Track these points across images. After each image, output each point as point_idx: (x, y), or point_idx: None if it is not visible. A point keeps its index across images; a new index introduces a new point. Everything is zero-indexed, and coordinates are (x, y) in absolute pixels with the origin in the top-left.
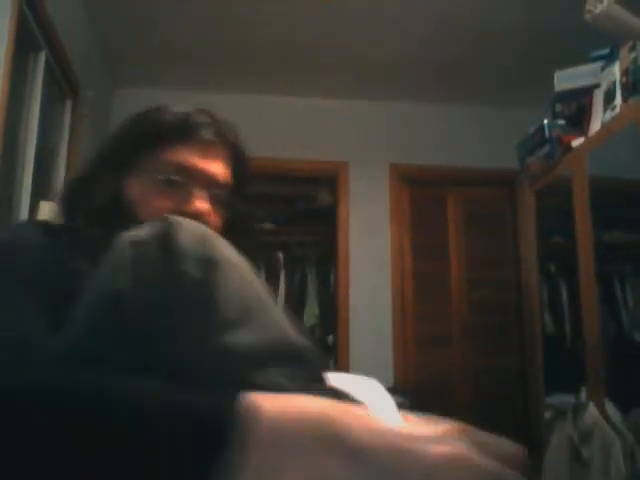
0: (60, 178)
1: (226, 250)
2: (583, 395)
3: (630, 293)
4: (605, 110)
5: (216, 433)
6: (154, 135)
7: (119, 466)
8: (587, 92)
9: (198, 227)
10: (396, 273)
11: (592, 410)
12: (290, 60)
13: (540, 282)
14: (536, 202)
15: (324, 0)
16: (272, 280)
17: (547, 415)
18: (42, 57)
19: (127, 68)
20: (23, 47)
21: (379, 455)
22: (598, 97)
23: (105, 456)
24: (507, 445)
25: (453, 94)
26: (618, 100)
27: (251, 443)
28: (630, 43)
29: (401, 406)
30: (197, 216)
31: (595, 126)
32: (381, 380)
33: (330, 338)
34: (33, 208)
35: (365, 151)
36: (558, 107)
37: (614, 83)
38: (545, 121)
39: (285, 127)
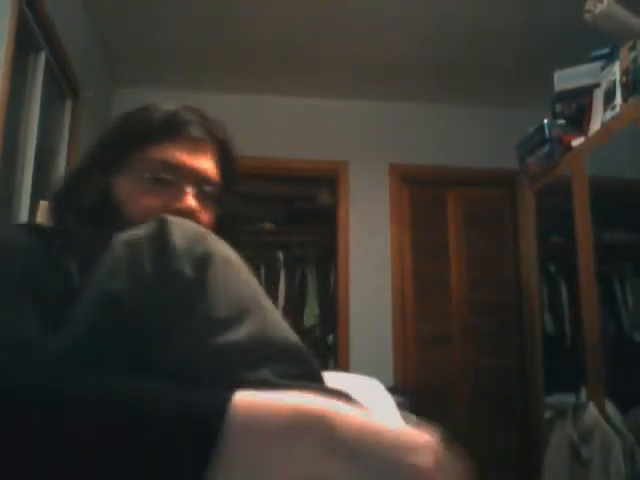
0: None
1: (221, 248)
2: (583, 395)
3: (630, 293)
4: (605, 110)
5: (201, 431)
6: (141, 133)
7: (118, 465)
8: (587, 92)
9: (192, 226)
10: (396, 273)
11: (592, 410)
12: (290, 60)
13: (540, 282)
14: (536, 202)
15: (324, 0)
16: (272, 280)
17: (547, 415)
18: (42, 57)
19: (127, 68)
20: (23, 47)
21: (358, 450)
22: (598, 97)
23: (105, 455)
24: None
25: (453, 94)
26: (618, 100)
27: (229, 440)
28: (630, 43)
29: (401, 406)
30: (187, 213)
31: (595, 126)
32: (381, 380)
33: (330, 338)
34: (33, 208)
35: (365, 151)
36: (558, 107)
37: (614, 83)
38: (545, 121)
39: (285, 127)
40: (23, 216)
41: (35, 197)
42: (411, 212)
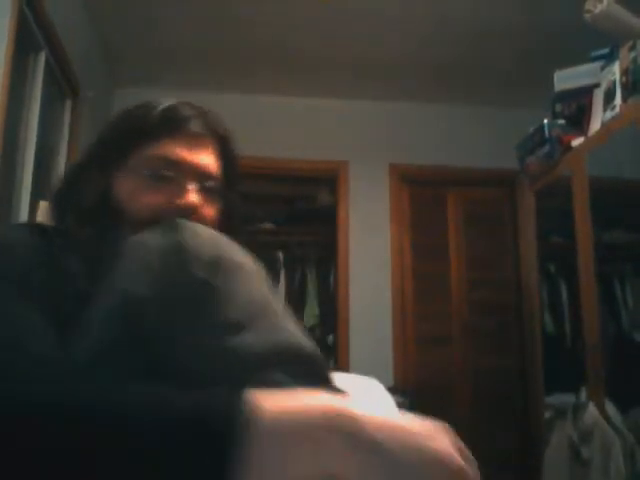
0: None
1: (236, 254)
2: (583, 395)
3: (630, 293)
4: (605, 110)
5: (221, 435)
6: (140, 130)
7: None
8: (587, 92)
9: (207, 231)
10: (396, 273)
11: (592, 410)
12: (290, 60)
13: (540, 282)
14: (536, 202)
15: (324, 0)
16: (272, 280)
17: (547, 415)
18: (42, 57)
19: (127, 68)
20: (23, 47)
21: (386, 446)
22: (598, 97)
23: (125, 468)
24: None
25: (453, 94)
26: (618, 100)
27: (253, 442)
28: (630, 43)
29: (401, 406)
30: (189, 209)
31: (595, 126)
32: (381, 380)
33: (330, 338)
34: (33, 208)
35: (365, 151)
36: (558, 107)
37: (614, 83)
38: (545, 121)
39: (285, 127)
40: (23, 216)
41: (35, 197)
42: (411, 212)
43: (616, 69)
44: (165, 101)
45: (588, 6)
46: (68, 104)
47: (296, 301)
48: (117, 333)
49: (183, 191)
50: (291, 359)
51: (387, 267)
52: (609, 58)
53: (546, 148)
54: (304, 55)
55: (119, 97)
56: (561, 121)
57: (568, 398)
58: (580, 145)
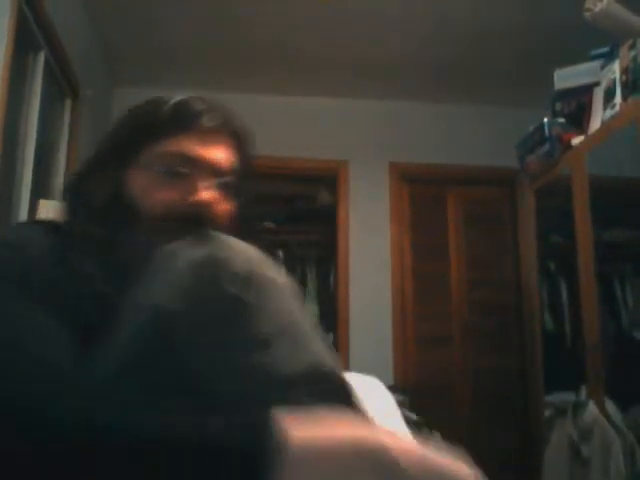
0: (60, 178)
1: (268, 269)
2: (583, 393)
3: (630, 292)
4: (605, 108)
5: (253, 460)
6: (152, 126)
7: None
8: (587, 90)
9: (241, 245)
10: (396, 273)
11: (592, 408)
12: (290, 60)
13: (540, 281)
14: (536, 201)
15: (324, 0)
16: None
17: (547, 413)
18: (42, 56)
19: (127, 68)
20: (23, 46)
21: (413, 475)
22: (598, 95)
23: None
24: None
25: (453, 93)
26: (618, 98)
27: (284, 468)
28: (630, 41)
29: (401, 404)
30: (203, 206)
31: (595, 124)
32: (381, 380)
33: (330, 338)
34: (33, 207)
35: (365, 150)
36: (558, 105)
37: (614, 81)
38: (545, 119)
39: (285, 127)
40: (23, 215)
41: (35, 196)
42: (411, 211)
43: (616, 68)
44: (177, 96)
45: (588, 5)
46: (68, 103)
47: None
48: (147, 346)
49: (196, 188)
50: (319, 380)
51: (387, 267)
52: (609, 57)
53: (546, 147)
54: (304, 55)
55: (119, 97)
56: (561, 120)
57: (568, 397)
58: (580, 144)
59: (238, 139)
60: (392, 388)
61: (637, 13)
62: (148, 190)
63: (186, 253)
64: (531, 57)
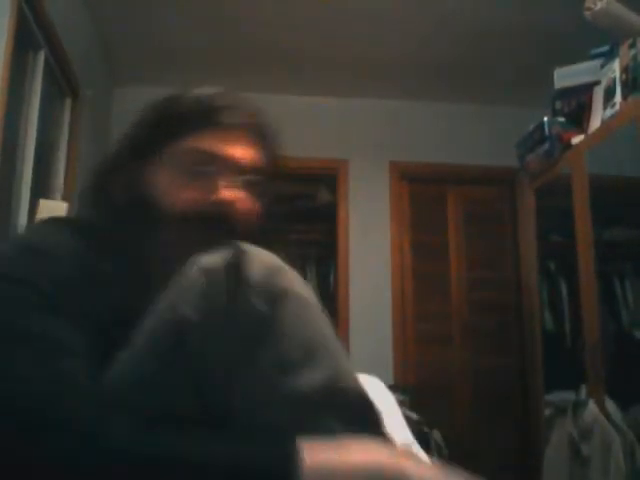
0: (60, 177)
1: (296, 284)
2: (583, 393)
3: (630, 291)
4: (605, 107)
5: None
6: (176, 123)
7: None
8: (587, 89)
9: (268, 257)
10: (396, 273)
11: (592, 407)
12: (290, 60)
13: (540, 281)
14: (536, 200)
15: (324, 0)
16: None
17: (547, 412)
18: (41, 55)
19: (127, 68)
20: (22, 45)
21: None
22: (598, 94)
23: None
24: None
25: (453, 93)
26: (618, 97)
27: None
28: (630, 40)
29: (401, 404)
30: (226, 205)
31: (595, 123)
32: (381, 380)
33: None
34: (33, 207)
35: (365, 149)
36: (558, 104)
37: (614, 80)
38: (545, 118)
39: (285, 126)
40: (23, 215)
41: (35, 196)
42: (411, 211)
43: (616, 67)
44: (200, 91)
45: (588, 4)
46: (68, 103)
47: None
48: (167, 360)
49: (219, 187)
50: (344, 404)
51: (387, 266)
52: (609, 55)
53: (546, 146)
54: (304, 55)
55: (119, 96)
56: (561, 119)
57: (568, 396)
58: (580, 143)
59: (263, 136)
60: (392, 388)
61: (637, 12)
62: (170, 188)
63: (212, 265)
64: (531, 56)
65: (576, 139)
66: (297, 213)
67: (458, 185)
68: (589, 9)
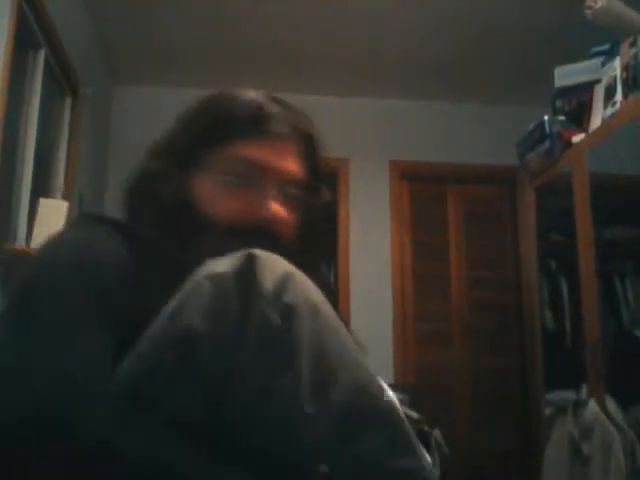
0: (60, 176)
1: (310, 293)
2: (584, 392)
3: (630, 290)
4: (605, 106)
5: None
6: (223, 127)
7: None
8: (588, 88)
9: (281, 265)
10: (396, 272)
11: (593, 406)
12: (290, 60)
13: (540, 280)
14: (536, 199)
15: (324, 0)
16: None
17: (547, 412)
18: (41, 55)
19: (127, 67)
20: (23, 45)
21: None
22: (599, 93)
23: None
24: None
25: (453, 92)
26: (619, 96)
27: None
28: (630, 38)
29: (402, 402)
30: (272, 221)
31: (595, 122)
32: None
33: None
34: (33, 206)
35: (365, 149)
36: (558, 103)
37: (615, 79)
38: (545, 117)
39: None
40: (23, 214)
41: (35, 195)
42: (411, 210)
43: (617, 65)
44: (249, 95)
45: (589, 2)
46: (68, 102)
47: None
48: (163, 362)
49: (266, 199)
50: (371, 424)
51: (387, 266)
52: (609, 54)
53: (546, 144)
54: (304, 55)
55: (119, 95)
56: (561, 117)
57: (569, 395)
58: (580, 141)
59: (311, 148)
60: (392, 387)
61: (637, 10)
62: (215, 197)
63: (224, 273)
64: (531, 55)
65: (576, 138)
66: None
67: (458, 184)
68: (590, 7)
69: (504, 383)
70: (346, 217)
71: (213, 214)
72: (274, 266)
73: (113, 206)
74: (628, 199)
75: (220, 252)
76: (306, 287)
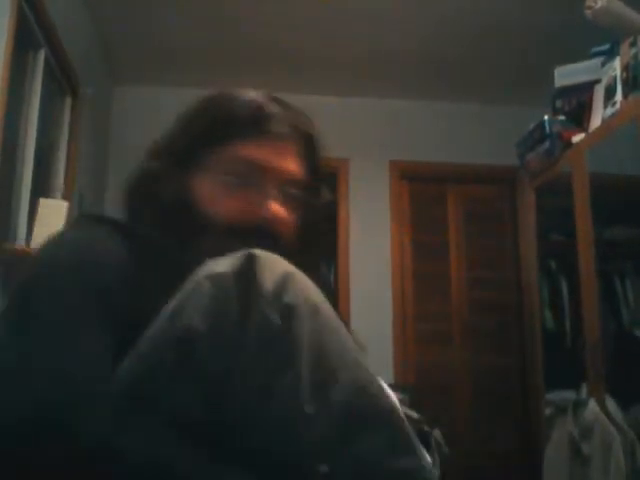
0: (60, 176)
1: (310, 293)
2: (584, 391)
3: (630, 290)
4: (605, 106)
5: None
6: (223, 127)
7: None
8: (588, 88)
9: (281, 265)
10: (396, 272)
11: (593, 406)
12: (290, 60)
13: (540, 280)
14: (536, 199)
15: (324, 0)
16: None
17: (547, 411)
18: (41, 55)
19: (127, 67)
20: (23, 45)
21: None
22: (599, 93)
23: None
24: None
25: (453, 92)
26: (619, 96)
27: None
28: (630, 38)
29: (402, 402)
30: (272, 221)
31: (595, 122)
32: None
33: None
34: (33, 206)
35: (365, 149)
36: (558, 103)
37: (615, 79)
38: (545, 117)
39: None
40: (23, 214)
41: (35, 195)
42: (411, 210)
43: (617, 65)
44: (249, 95)
45: (589, 2)
46: (68, 102)
47: None
48: (162, 362)
49: (266, 199)
50: (371, 425)
51: (387, 266)
52: (609, 54)
53: (546, 144)
54: (304, 55)
55: (119, 95)
56: (561, 117)
57: (569, 395)
58: (580, 141)
59: (309, 146)
60: (392, 387)
61: (638, 10)
62: (215, 197)
63: (223, 272)
64: (531, 55)
65: (576, 138)
66: None
67: (458, 184)
68: (590, 7)
69: (504, 383)
70: (346, 217)
71: (213, 214)
72: (274, 266)
73: (113, 206)
74: (628, 199)
75: (220, 252)
76: (306, 287)
